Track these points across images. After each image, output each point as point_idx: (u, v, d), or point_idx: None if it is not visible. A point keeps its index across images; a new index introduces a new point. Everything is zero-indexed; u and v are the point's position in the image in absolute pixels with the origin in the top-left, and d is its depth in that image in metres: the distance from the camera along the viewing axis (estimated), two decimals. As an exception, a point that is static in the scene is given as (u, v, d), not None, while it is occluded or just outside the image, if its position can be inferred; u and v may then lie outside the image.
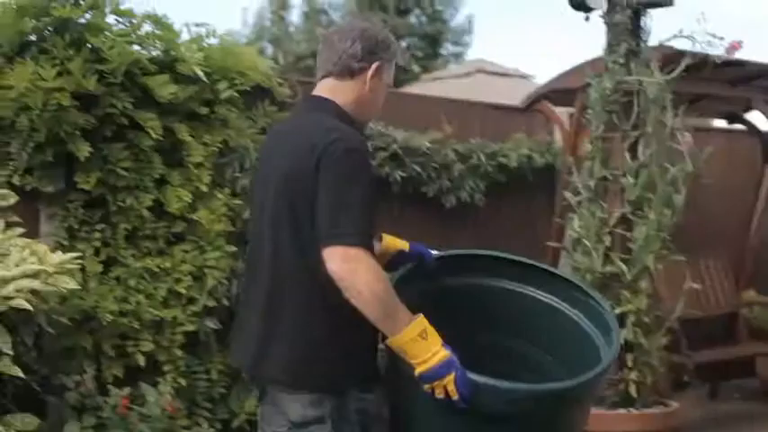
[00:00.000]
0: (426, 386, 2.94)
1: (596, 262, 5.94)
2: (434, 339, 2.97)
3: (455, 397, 2.92)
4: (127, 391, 4.96)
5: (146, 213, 5.36)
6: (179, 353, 5.43)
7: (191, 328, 5.46)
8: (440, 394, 2.94)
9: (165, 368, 5.40)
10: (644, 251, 5.87)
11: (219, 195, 5.65)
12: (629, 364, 5.91)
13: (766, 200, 9.03)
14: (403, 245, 3.40)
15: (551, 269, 3.64)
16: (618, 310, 5.83)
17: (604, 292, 5.91)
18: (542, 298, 3.55)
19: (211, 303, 5.54)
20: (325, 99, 3.27)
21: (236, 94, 5.72)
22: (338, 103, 3.25)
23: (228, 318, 5.71)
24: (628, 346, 5.83)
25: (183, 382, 5.41)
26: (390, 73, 3.36)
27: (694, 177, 6.09)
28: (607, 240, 5.99)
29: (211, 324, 5.55)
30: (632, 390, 5.92)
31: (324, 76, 3.30)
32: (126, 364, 5.30)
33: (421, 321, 2.98)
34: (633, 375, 5.92)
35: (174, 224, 5.50)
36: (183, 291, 5.44)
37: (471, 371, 2.94)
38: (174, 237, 5.53)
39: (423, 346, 2.96)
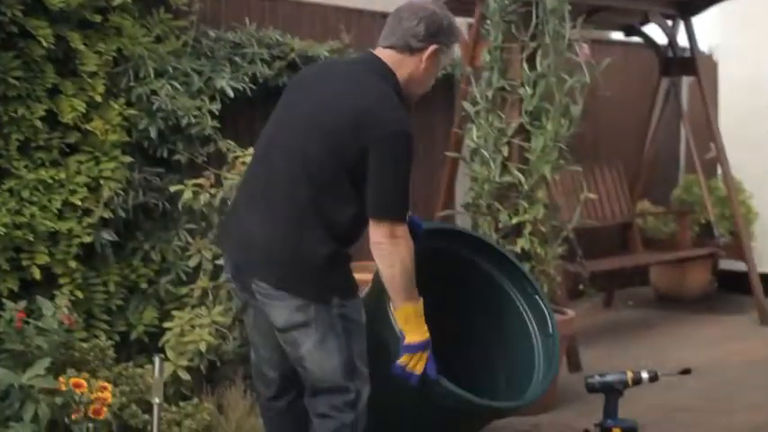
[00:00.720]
0: (404, 354, 3.59)
1: (494, 172, 5.99)
2: (424, 321, 3.61)
3: (416, 371, 3.58)
4: (22, 304, 4.87)
5: (38, 124, 5.23)
6: (75, 265, 5.35)
7: (87, 239, 5.38)
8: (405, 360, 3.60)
9: (62, 281, 5.33)
10: (541, 161, 5.93)
11: (114, 105, 5.53)
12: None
13: (661, 112, 9.18)
14: None
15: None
16: (515, 220, 5.91)
17: (502, 202, 5.98)
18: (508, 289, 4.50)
19: (107, 215, 5.45)
20: (389, 68, 3.66)
21: (129, 2, 5.59)
22: (396, 74, 3.65)
23: (125, 229, 5.65)
24: (525, 255, 5.90)
25: (79, 294, 5.35)
26: (446, 57, 3.83)
27: (591, 89, 6.15)
28: (505, 150, 6.05)
29: (108, 236, 5.47)
30: (529, 298, 6.02)
31: (387, 46, 3.70)
32: (21, 277, 5.21)
33: (421, 304, 3.61)
34: (530, 284, 6.01)
35: (68, 134, 5.39)
36: (79, 202, 5.34)
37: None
38: (68, 147, 5.41)
39: (420, 322, 3.60)
